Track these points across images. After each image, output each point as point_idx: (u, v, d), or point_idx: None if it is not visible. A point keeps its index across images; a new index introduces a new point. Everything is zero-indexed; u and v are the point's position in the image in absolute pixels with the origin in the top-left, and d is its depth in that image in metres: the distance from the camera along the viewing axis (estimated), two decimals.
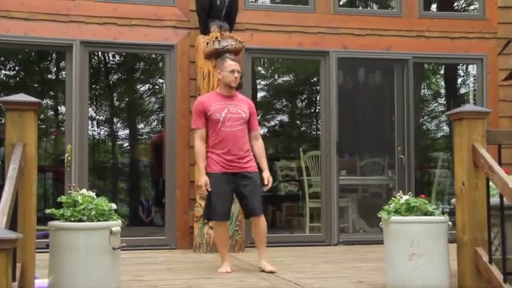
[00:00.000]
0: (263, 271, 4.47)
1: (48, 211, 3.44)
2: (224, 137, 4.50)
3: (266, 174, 4.61)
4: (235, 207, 5.82)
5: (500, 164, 3.53)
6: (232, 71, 4.59)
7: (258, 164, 4.66)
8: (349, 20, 6.80)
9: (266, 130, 11.04)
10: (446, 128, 10.10)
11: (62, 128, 7.76)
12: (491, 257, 3.57)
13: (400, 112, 6.98)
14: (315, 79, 9.12)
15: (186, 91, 6.31)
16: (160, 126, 9.40)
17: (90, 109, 8.15)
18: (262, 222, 4.58)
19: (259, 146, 4.70)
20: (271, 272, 4.39)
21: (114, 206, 3.52)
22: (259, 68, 10.18)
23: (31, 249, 3.20)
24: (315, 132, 10.04)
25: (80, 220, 3.37)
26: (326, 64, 6.70)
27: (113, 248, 3.38)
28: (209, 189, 4.47)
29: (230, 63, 4.64)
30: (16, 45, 6.50)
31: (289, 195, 8.61)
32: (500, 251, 3.56)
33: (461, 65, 8.73)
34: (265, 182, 4.56)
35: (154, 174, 8.75)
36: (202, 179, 4.50)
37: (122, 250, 3.51)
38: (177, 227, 6.20)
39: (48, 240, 3.41)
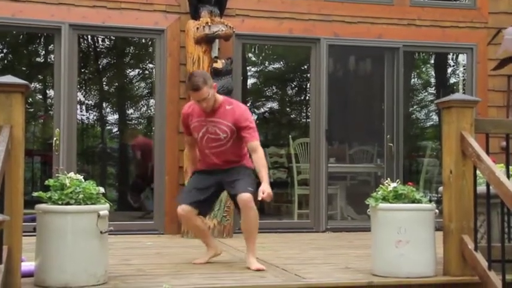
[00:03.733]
0: (249, 268, 4.04)
1: (35, 194, 3.42)
2: (204, 155, 4.23)
3: (263, 186, 4.00)
4: (223, 193, 5.83)
5: (487, 153, 3.56)
6: (198, 102, 4.07)
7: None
8: (340, 7, 6.78)
9: (256, 117, 11.03)
10: (435, 117, 10.16)
11: (51, 112, 7.70)
12: (477, 244, 3.61)
13: (389, 101, 6.99)
14: (305, 66, 9.11)
15: (176, 76, 6.28)
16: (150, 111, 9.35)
17: (79, 93, 8.11)
18: (245, 203, 4.03)
19: (256, 158, 4.09)
20: (258, 270, 3.96)
21: (102, 189, 3.51)
22: (250, 55, 10.14)
23: (18, 232, 3.19)
24: (304, 120, 10.05)
25: (68, 203, 3.36)
26: (317, 51, 6.69)
27: (101, 232, 3.38)
28: None
29: (192, 95, 4.09)
30: (3, 27, 6.41)
31: (278, 182, 8.62)
32: (486, 239, 3.60)
33: (451, 54, 8.75)
34: (260, 194, 3.97)
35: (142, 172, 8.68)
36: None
37: (109, 234, 3.50)
38: (165, 212, 6.19)
39: (35, 223, 3.39)
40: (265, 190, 3.96)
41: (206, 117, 4.14)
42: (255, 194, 4.05)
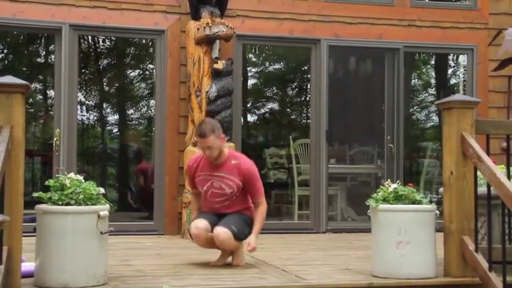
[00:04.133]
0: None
1: (35, 194, 3.41)
2: (208, 208, 4.25)
3: (251, 238, 4.13)
4: None
5: (488, 153, 3.55)
6: (203, 149, 4.12)
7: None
8: (340, 8, 6.78)
9: (256, 118, 11.04)
10: (435, 118, 10.16)
11: (51, 112, 7.70)
12: (478, 246, 3.61)
13: (390, 101, 6.99)
14: (305, 67, 9.12)
15: (176, 77, 6.28)
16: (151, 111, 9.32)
17: (79, 94, 8.12)
18: (220, 241, 4.05)
19: (257, 212, 4.23)
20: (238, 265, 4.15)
21: (102, 190, 3.50)
22: (250, 55, 10.15)
23: (18, 232, 3.19)
24: (305, 120, 10.06)
25: (68, 204, 3.35)
26: (317, 52, 6.69)
27: (101, 233, 3.37)
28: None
29: (198, 140, 4.19)
30: (3, 28, 6.41)
31: (278, 183, 8.63)
32: (486, 240, 3.60)
33: (451, 55, 8.76)
34: (245, 246, 4.10)
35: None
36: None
37: (109, 235, 3.50)
38: (165, 213, 6.19)
39: (35, 224, 3.39)
40: (251, 243, 4.08)
41: (211, 172, 4.15)
42: (238, 234, 4.10)
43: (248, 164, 4.22)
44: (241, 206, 4.24)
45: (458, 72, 8.98)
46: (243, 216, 4.23)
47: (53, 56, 6.92)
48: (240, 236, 4.12)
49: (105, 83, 10.50)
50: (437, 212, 3.81)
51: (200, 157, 4.25)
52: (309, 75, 7.35)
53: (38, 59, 9.97)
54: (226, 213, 4.21)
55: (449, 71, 9.84)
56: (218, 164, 4.14)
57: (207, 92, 5.91)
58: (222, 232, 4.02)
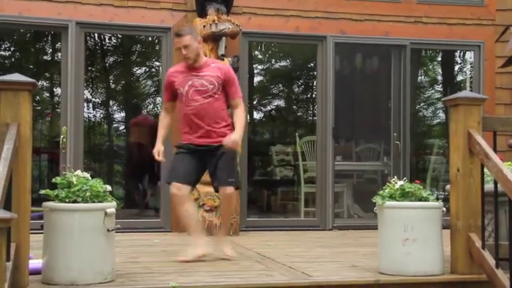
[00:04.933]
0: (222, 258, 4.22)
1: (42, 192, 3.43)
2: (188, 113, 4.20)
3: (232, 136, 4.16)
4: None
5: (495, 150, 3.54)
6: (179, 49, 4.27)
7: None
8: (347, 5, 6.76)
9: (262, 115, 11.03)
10: (442, 115, 10.12)
11: (58, 110, 7.72)
12: (485, 243, 3.60)
13: (396, 98, 6.97)
14: (312, 64, 9.10)
15: None
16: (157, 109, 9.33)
17: (85, 91, 8.13)
18: (228, 197, 4.19)
19: (236, 115, 4.26)
20: (225, 259, 4.16)
21: (108, 187, 3.52)
22: (256, 52, 10.14)
23: (25, 230, 3.20)
24: (311, 118, 10.04)
25: (75, 201, 3.37)
26: (323, 49, 6.67)
27: (108, 230, 3.38)
28: (161, 159, 4.26)
29: (175, 41, 4.35)
30: (10, 25, 6.44)
31: (285, 180, 8.63)
32: (493, 237, 3.59)
33: (458, 51, 8.72)
34: (227, 140, 4.13)
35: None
36: (155, 148, 4.26)
37: (116, 232, 3.51)
38: (172, 209, 6.19)
39: (42, 221, 3.41)
40: (229, 140, 4.13)
41: (192, 73, 4.24)
42: (236, 183, 4.24)
43: (227, 66, 4.53)
44: (220, 117, 4.21)
45: (465, 69, 8.94)
46: (229, 152, 4.19)
47: (59, 54, 6.93)
48: (238, 183, 4.34)
49: (111, 81, 10.52)
50: (444, 209, 3.80)
51: (180, 65, 4.38)
52: (315, 73, 7.34)
53: (45, 57, 10.00)
54: (209, 147, 4.17)
55: (456, 67, 9.79)
56: (197, 66, 4.24)
57: None
58: (228, 191, 4.19)
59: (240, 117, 4.25)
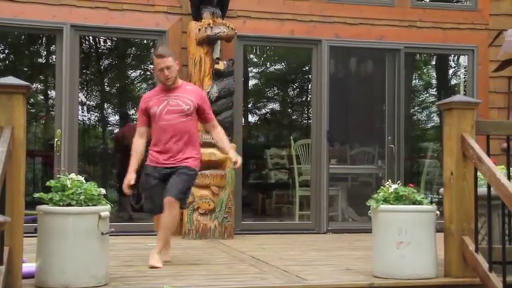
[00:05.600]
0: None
1: (36, 195, 3.42)
2: (160, 131, 4.21)
3: (231, 154, 4.31)
4: (225, 193, 5.85)
5: (488, 154, 3.56)
6: (161, 70, 4.21)
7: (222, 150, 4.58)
8: (341, 8, 6.78)
9: (257, 118, 11.05)
10: (436, 119, 10.16)
11: (52, 113, 7.71)
12: (478, 246, 3.61)
13: (390, 102, 7.00)
14: (306, 67, 9.12)
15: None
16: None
17: (80, 94, 8.12)
18: (169, 208, 4.12)
19: (217, 133, 4.39)
20: (153, 268, 4.01)
21: (103, 190, 3.51)
22: (251, 56, 10.17)
23: (19, 233, 3.19)
24: (305, 121, 10.07)
25: (69, 204, 3.36)
26: (318, 53, 6.69)
27: (102, 233, 3.38)
28: (129, 192, 4.26)
29: (157, 62, 4.23)
30: (4, 28, 6.43)
31: (279, 183, 8.64)
32: (487, 241, 3.60)
33: (452, 55, 8.76)
34: (233, 160, 4.28)
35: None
36: (126, 178, 4.21)
37: (110, 235, 3.51)
38: None
39: (36, 224, 3.40)
40: (237, 160, 4.26)
41: (167, 94, 4.28)
42: (183, 199, 4.21)
43: (201, 90, 4.69)
44: (191, 140, 4.25)
45: (459, 73, 8.99)
46: (189, 170, 4.20)
47: (54, 57, 6.93)
48: (183, 203, 4.28)
49: (106, 84, 10.52)
50: (438, 212, 3.81)
51: (154, 90, 4.43)
52: (310, 76, 7.36)
53: (39, 60, 9.99)
54: (174, 166, 4.19)
55: (450, 71, 9.85)
56: (173, 88, 4.29)
57: (208, 92, 5.91)
58: (171, 199, 4.10)
59: (224, 135, 4.44)
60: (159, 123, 4.23)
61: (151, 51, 7.88)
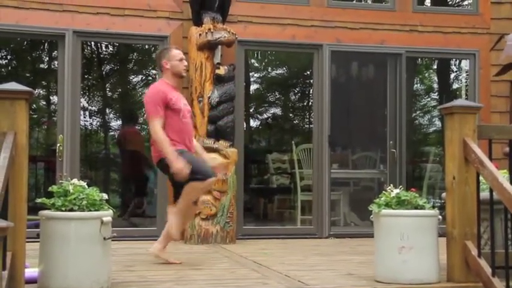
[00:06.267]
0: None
1: (39, 200, 3.43)
2: (183, 128, 4.43)
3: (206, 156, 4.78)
4: (227, 198, 5.85)
5: (490, 158, 3.56)
6: (181, 60, 4.54)
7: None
8: (342, 13, 6.80)
9: (259, 123, 11.06)
10: (438, 123, 10.15)
11: (54, 118, 7.72)
12: (481, 251, 3.60)
13: (392, 106, 7.00)
14: (308, 72, 9.13)
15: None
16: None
17: (82, 99, 8.14)
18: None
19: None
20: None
21: (105, 196, 3.52)
22: (253, 61, 10.18)
23: (21, 238, 3.19)
24: (307, 126, 10.06)
25: (71, 210, 3.37)
26: (319, 57, 6.70)
27: (104, 238, 3.38)
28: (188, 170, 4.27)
29: (177, 52, 4.56)
30: (7, 34, 6.46)
31: (281, 188, 8.64)
32: (489, 245, 3.59)
33: (454, 60, 8.76)
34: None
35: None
36: (180, 163, 4.20)
37: (112, 240, 3.51)
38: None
39: (39, 229, 3.40)
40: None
41: (177, 92, 4.53)
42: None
43: None
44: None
45: (460, 77, 8.98)
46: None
47: (56, 62, 6.95)
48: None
49: (108, 89, 10.53)
50: (440, 217, 3.81)
51: (162, 83, 4.52)
52: (311, 81, 7.37)
53: (42, 65, 10.01)
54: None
55: (452, 75, 9.84)
56: (178, 86, 4.64)
57: (209, 97, 5.93)
58: None
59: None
60: (181, 121, 4.42)
61: (153, 56, 7.91)
